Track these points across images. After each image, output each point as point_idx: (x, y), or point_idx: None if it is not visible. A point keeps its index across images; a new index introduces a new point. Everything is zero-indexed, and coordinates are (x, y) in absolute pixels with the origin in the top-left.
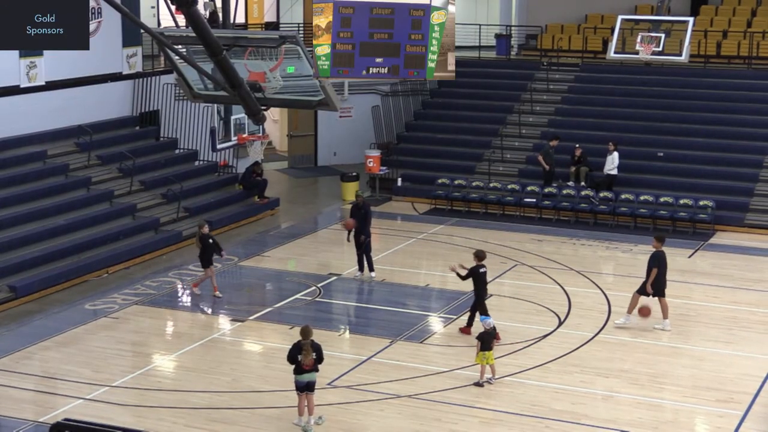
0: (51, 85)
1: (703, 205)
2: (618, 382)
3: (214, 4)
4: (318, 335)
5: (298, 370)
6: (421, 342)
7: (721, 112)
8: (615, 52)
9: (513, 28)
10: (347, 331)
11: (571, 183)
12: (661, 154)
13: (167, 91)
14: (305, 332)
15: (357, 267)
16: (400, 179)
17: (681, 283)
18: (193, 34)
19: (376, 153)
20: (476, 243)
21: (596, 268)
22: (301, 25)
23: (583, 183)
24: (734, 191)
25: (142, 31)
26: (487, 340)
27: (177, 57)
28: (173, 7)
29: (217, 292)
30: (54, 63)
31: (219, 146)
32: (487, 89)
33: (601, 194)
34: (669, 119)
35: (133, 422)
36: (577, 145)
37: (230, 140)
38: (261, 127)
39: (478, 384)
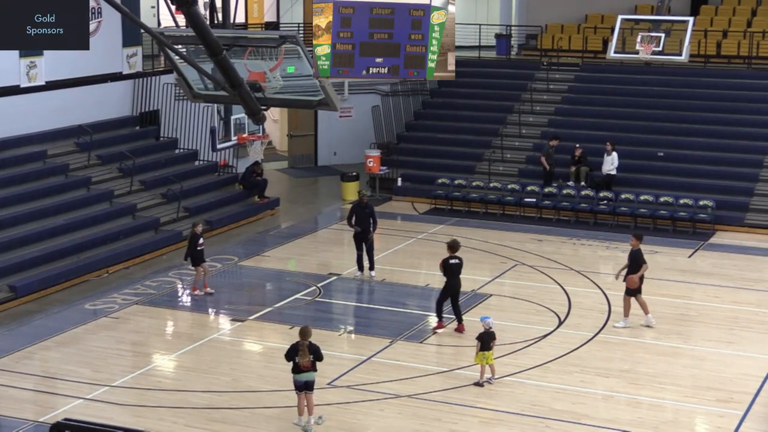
0: (51, 85)
1: (703, 205)
2: (618, 382)
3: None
4: (318, 335)
5: (296, 370)
6: (421, 342)
7: (721, 112)
8: (615, 52)
9: (513, 28)
10: (352, 334)
11: (571, 183)
12: (661, 154)
13: (167, 91)
14: (304, 333)
15: (357, 267)
16: (400, 179)
17: (681, 283)
18: (193, 34)
19: (376, 153)
20: (476, 243)
21: (596, 268)
22: (301, 25)
23: (583, 183)
24: (734, 191)
25: (142, 31)
26: (487, 340)
27: (177, 57)
28: (173, 7)
29: (208, 289)
30: (54, 63)
31: (219, 146)
32: (487, 89)
33: (601, 194)
34: (669, 119)
35: (133, 422)
36: (577, 145)
37: (230, 140)
38: (261, 127)
39: (478, 384)
